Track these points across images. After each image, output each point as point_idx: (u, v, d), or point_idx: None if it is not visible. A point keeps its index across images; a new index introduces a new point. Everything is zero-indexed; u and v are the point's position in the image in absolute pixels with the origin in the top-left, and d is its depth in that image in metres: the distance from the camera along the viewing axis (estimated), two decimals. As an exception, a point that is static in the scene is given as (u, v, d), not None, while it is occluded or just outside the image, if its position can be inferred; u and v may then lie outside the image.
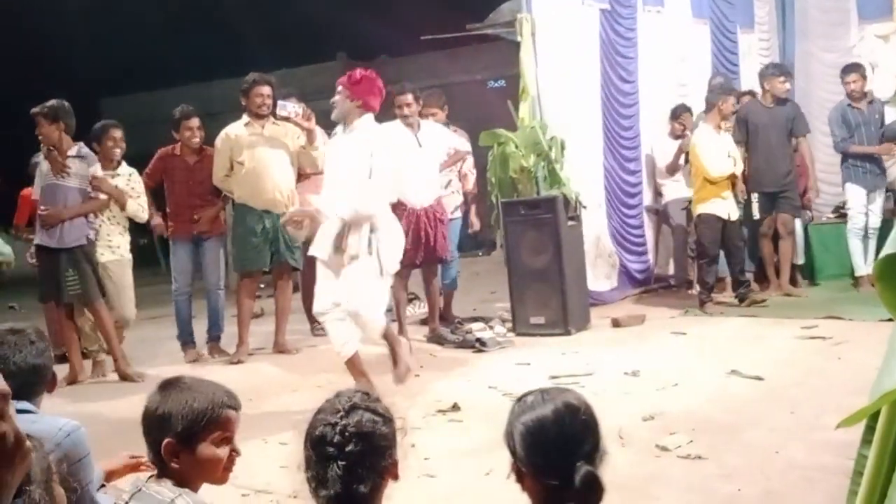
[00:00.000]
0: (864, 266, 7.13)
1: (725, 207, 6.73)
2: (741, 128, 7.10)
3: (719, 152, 6.71)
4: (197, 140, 5.93)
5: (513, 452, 1.64)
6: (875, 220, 7.21)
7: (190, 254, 5.96)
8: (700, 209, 6.76)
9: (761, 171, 7.07)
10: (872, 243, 7.20)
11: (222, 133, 5.82)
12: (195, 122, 5.92)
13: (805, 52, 8.89)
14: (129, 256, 5.74)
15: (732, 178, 6.79)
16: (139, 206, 5.71)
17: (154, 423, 1.84)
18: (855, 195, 7.21)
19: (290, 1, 17.69)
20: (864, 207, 7.20)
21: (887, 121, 7.43)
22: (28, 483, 1.13)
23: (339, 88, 4.49)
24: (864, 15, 8.53)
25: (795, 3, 9.04)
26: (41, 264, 5.41)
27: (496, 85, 15.25)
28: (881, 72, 7.73)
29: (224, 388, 1.94)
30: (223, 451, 1.85)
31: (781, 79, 7.18)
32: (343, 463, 1.57)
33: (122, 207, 5.61)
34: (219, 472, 1.87)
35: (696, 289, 7.01)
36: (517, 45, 6.91)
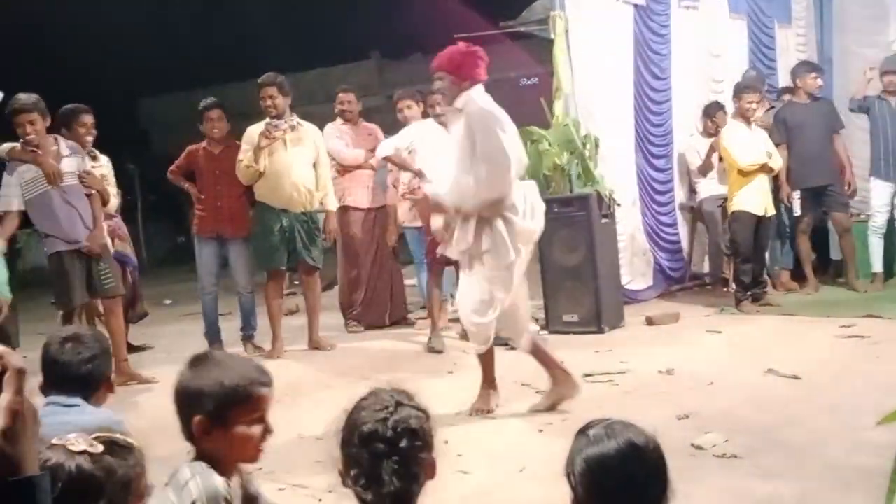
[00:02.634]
0: (879, 264, 7.07)
1: (762, 203, 6.63)
2: (780, 129, 7.01)
3: (749, 144, 6.61)
4: (217, 130, 5.93)
5: (573, 488, 1.56)
6: (878, 218, 7.10)
7: (215, 253, 5.98)
8: (735, 206, 6.67)
9: (804, 168, 6.96)
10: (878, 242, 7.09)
11: (248, 129, 5.87)
12: (216, 112, 5.94)
13: (843, 48, 8.73)
14: None
15: (767, 170, 6.65)
16: (115, 199, 5.72)
17: (185, 400, 1.81)
18: (879, 191, 7.11)
19: (322, 0, 17.79)
20: (888, 205, 7.09)
21: None
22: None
23: (441, 75, 4.20)
24: (905, 9, 8.36)
25: (833, -2, 8.89)
26: (66, 269, 4.94)
27: (529, 82, 15.20)
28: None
29: (256, 364, 1.91)
30: (256, 430, 1.80)
31: (813, 75, 7.15)
32: (396, 458, 1.56)
33: (106, 203, 5.44)
34: (251, 451, 1.82)
35: (732, 287, 6.93)
36: (550, 42, 6.89)
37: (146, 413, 4.38)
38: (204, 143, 6.04)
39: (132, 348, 6.20)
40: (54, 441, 1.29)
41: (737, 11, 8.22)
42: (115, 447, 1.36)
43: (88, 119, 5.54)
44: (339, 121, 6.81)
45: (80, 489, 1.26)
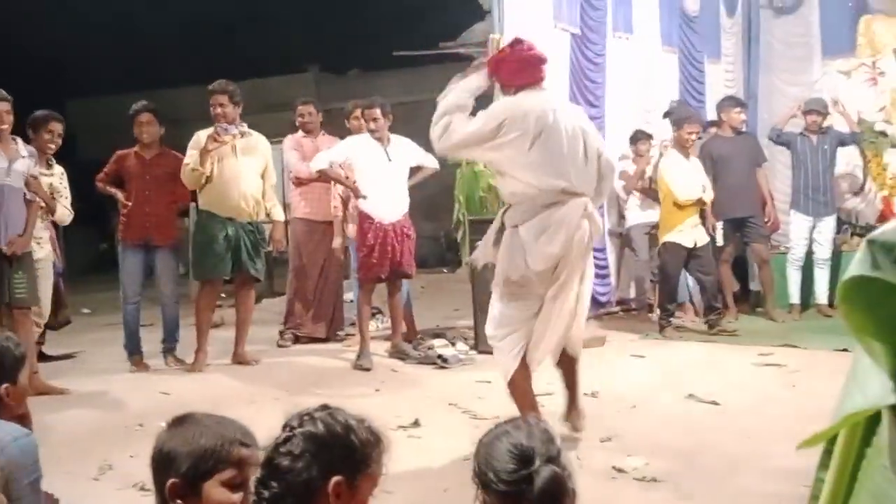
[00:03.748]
0: (797, 295, 7.36)
1: (692, 236, 6.77)
2: (706, 162, 7.20)
3: (687, 177, 6.78)
4: (146, 135, 5.78)
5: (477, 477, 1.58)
6: (823, 251, 7.38)
7: (140, 262, 5.81)
8: (666, 238, 6.81)
9: (728, 199, 7.16)
10: (825, 273, 7.36)
11: (196, 134, 5.76)
12: (146, 116, 5.79)
13: (769, 85, 9.10)
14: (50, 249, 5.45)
15: (701, 203, 6.83)
16: (66, 210, 5.50)
17: (159, 464, 1.65)
18: (799, 224, 7.40)
19: (262, 11, 17.62)
20: (805, 239, 7.38)
21: (844, 158, 7.68)
22: None
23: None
24: (827, 51, 8.76)
25: (761, 36, 9.26)
26: None
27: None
28: (842, 107, 7.94)
29: (239, 424, 1.74)
30: (236, 496, 1.61)
31: (737, 110, 7.42)
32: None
33: (52, 212, 5.33)
34: None
35: (657, 313, 7.09)
36: (489, 65, 6.96)
37: (56, 428, 4.22)
38: (135, 148, 5.88)
39: (53, 358, 5.99)
40: None
41: (669, 44, 8.46)
42: None
43: (57, 127, 5.42)
44: (299, 133, 6.80)
45: None
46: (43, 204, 5.21)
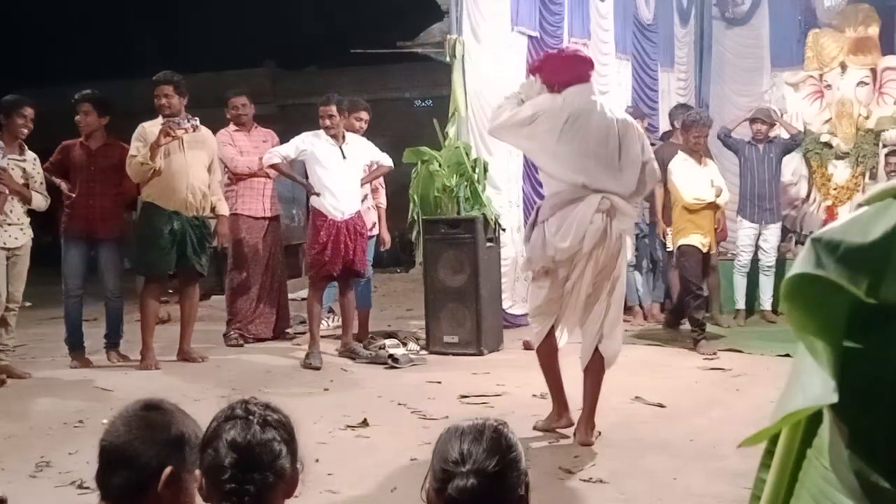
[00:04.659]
0: (742, 301, 7.49)
1: (704, 240, 6.45)
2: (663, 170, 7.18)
3: (696, 180, 6.44)
4: (85, 126, 5.64)
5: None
6: (768, 258, 7.53)
7: (83, 255, 5.67)
8: (681, 241, 6.45)
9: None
10: (770, 280, 7.51)
11: (140, 125, 5.62)
12: (87, 106, 5.66)
13: (720, 95, 9.30)
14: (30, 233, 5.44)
15: (714, 207, 6.53)
16: (42, 196, 5.42)
17: (124, 453, 1.58)
18: (745, 231, 7.54)
19: (218, 4, 17.37)
20: (751, 245, 7.52)
21: (789, 167, 7.86)
22: None
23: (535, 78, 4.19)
24: (776, 63, 8.98)
25: (713, 47, 9.45)
26: None
27: (424, 105, 15.34)
28: (789, 117, 8.13)
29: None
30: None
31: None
32: (255, 465, 1.51)
33: (28, 202, 5.31)
34: None
35: (686, 328, 6.46)
36: (447, 66, 6.97)
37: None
38: (81, 139, 5.74)
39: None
40: None
41: (623, 52, 8.56)
42: None
43: (29, 112, 5.34)
44: (231, 126, 6.62)
45: None
46: (9, 194, 5.13)
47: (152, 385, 4.95)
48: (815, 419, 0.89)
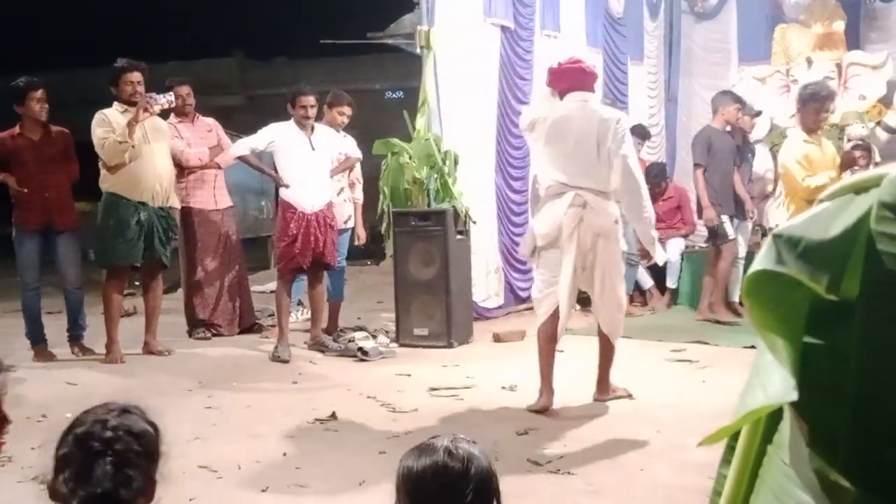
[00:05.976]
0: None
1: None
2: (704, 151, 6.99)
3: (822, 167, 5.72)
4: (45, 112, 5.51)
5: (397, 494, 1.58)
6: (740, 250, 7.60)
7: (38, 247, 5.55)
8: None
9: (722, 193, 7.07)
10: (739, 272, 7.57)
11: (99, 113, 5.48)
12: (41, 93, 5.51)
13: (688, 88, 9.38)
14: None
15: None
16: None
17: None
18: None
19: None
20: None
21: (757, 161, 7.91)
22: None
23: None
24: (743, 57, 9.07)
25: (682, 41, 9.53)
26: None
27: (394, 96, 15.27)
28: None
29: None
30: None
31: (737, 106, 7.17)
32: (112, 459, 1.45)
33: None
34: None
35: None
36: (418, 57, 6.94)
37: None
38: (16, 129, 5.55)
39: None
40: None
41: (594, 45, 8.59)
42: None
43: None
44: (173, 117, 6.36)
45: None
46: None
47: (118, 379, 4.89)
48: (775, 415, 0.90)
